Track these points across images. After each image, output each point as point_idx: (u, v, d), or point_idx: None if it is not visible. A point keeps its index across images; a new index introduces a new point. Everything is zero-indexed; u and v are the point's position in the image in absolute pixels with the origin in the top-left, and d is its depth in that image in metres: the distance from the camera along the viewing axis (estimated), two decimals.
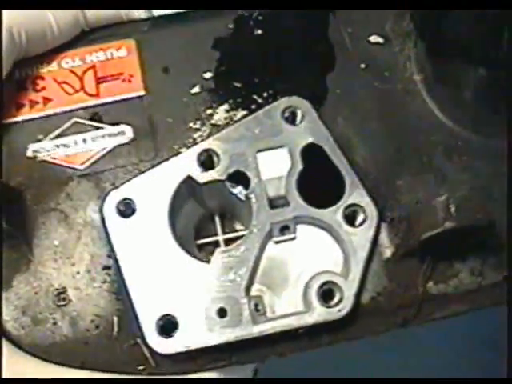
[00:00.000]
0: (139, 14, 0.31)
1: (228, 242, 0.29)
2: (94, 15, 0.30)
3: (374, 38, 0.31)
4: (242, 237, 0.29)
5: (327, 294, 0.27)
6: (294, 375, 0.46)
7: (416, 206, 0.27)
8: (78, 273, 0.27)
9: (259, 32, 0.31)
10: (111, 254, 0.27)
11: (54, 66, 0.30)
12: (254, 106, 0.30)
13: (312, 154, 0.28)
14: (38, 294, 0.27)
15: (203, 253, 0.30)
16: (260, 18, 0.31)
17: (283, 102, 0.29)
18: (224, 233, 0.30)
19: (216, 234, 0.30)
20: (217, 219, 0.30)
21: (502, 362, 0.28)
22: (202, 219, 0.30)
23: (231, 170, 0.28)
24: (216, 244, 0.29)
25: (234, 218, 0.30)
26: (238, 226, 0.30)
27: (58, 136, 0.29)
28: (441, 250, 0.27)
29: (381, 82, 0.30)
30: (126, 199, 0.27)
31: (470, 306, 0.28)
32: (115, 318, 0.27)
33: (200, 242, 0.30)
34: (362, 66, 0.30)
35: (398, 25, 0.31)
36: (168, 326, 0.26)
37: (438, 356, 0.49)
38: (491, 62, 0.27)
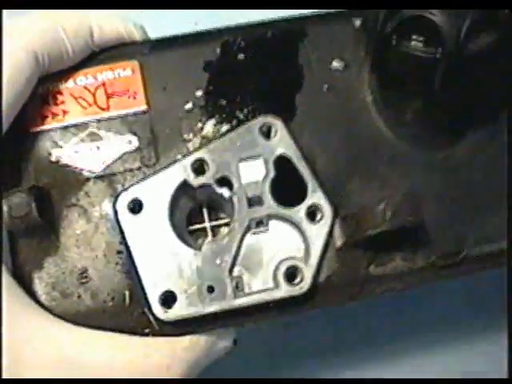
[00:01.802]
0: (140, 36, 0.37)
1: (213, 228, 0.37)
2: (101, 39, 0.36)
3: (336, 63, 0.37)
4: (224, 224, 0.36)
5: (291, 275, 0.34)
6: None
7: (362, 209, 0.34)
8: (97, 256, 0.34)
9: (241, 56, 0.37)
10: (123, 241, 0.34)
11: (70, 83, 0.36)
12: (235, 121, 0.36)
13: (283, 163, 0.35)
14: (64, 273, 0.34)
15: (194, 236, 0.37)
16: (242, 43, 0.37)
17: (260, 120, 0.36)
18: (210, 221, 0.37)
19: (203, 222, 0.37)
20: (204, 210, 0.37)
21: None
22: (192, 210, 0.37)
23: (218, 176, 0.35)
24: (204, 230, 0.37)
25: (218, 210, 0.37)
26: (222, 215, 0.37)
27: (76, 143, 0.36)
28: (381, 242, 0.34)
29: (340, 102, 0.37)
30: (134, 199, 0.35)
31: (403, 285, 0.35)
32: (127, 292, 0.34)
33: (191, 228, 0.37)
34: (325, 88, 0.37)
35: (356, 52, 0.37)
36: (169, 299, 0.33)
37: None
38: (425, 97, 0.35)
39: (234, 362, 0.43)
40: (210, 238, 0.36)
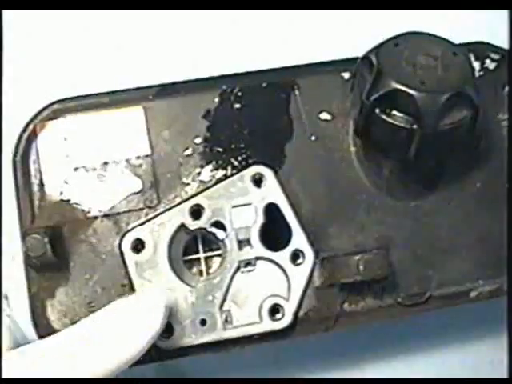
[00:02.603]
0: None
1: (207, 258, 0.41)
2: None
3: (323, 115, 0.41)
4: (216, 255, 0.41)
5: (274, 310, 0.39)
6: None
7: (339, 255, 0.39)
8: (104, 288, 0.39)
9: (237, 106, 0.40)
10: (126, 276, 0.39)
11: (79, 126, 0.40)
12: (230, 168, 0.40)
13: (271, 210, 0.39)
14: (74, 303, 0.38)
15: (189, 265, 0.41)
16: (239, 94, 0.40)
17: (252, 170, 0.39)
18: (204, 251, 0.41)
19: (198, 253, 0.41)
20: (199, 242, 0.41)
21: None
22: (188, 241, 0.41)
23: (213, 220, 0.39)
24: (198, 259, 0.41)
25: (211, 242, 0.41)
26: (215, 246, 0.42)
27: (85, 184, 0.39)
28: (354, 285, 0.39)
29: (325, 151, 0.41)
30: (137, 239, 0.39)
31: (372, 320, 0.40)
32: None
33: (186, 258, 0.41)
34: (313, 138, 0.41)
35: (343, 104, 0.41)
36: (167, 330, 0.38)
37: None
38: (401, 161, 0.38)
39: (233, 362, 0.47)
40: (203, 267, 0.41)
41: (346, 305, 0.40)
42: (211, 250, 0.41)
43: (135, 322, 0.35)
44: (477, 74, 0.42)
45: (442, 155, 0.39)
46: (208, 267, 0.41)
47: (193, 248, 0.41)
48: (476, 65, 0.43)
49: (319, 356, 0.48)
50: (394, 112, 0.36)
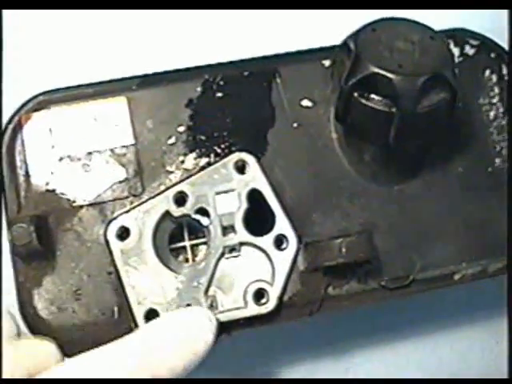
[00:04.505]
0: None
1: (192, 246, 0.41)
2: None
3: (305, 102, 0.42)
4: (202, 243, 0.41)
5: (259, 295, 0.39)
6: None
7: (322, 240, 0.39)
8: (90, 276, 0.39)
9: (220, 95, 0.41)
10: (112, 263, 0.39)
11: (64, 117, 0.40)
12: (213, 155, 0.40)
13: (254, 196, 0.40)
14: (60, 290, 0.39)
15: (175, 253, 0.42)
16: (221, 83, 0.41)
17: (235, 157, 0.40)
18: (190, 240, 0.42)
19: (184, 241, 0.42)
20: (185, 231, 0.42)
21: None
22: (174, 230, 0.42)
23: (197, 207, 0.39)
24: (184, 247, 0.42)
25: (197, 230, 0.42)
26: (200, 234, 0.42)
27: (71, 173, 0.40)
28: (338, 268, 0.39)
29: (308, 139, 0.41)
30: (122, 226, 0.39)
31: (356, 303, 0.41)
32: (116, 308, 0.39)
33: (173, 246, 0.41)
34: (295, 125, 0.41)
35: (324, 91, 0.42)
36: (152, 317, 0.39)
37: None
38: (381, 145, 0.39)
39: (233, 362, 0.47)
40: (189, 255, 0.41)
41: (330, 289, 0.40)
42: (197, 237, 0.41)
43: (194, 335, 0.36)
44: (456, 60, 0.43)
45: (422, 139, 0.39)
46: (194, 255, 0.41)
47: (179, 236, 0.41)
48: (455, 51, 0.43)
49: (308, 343, 0.49)
50: (373, 96, 0.37)
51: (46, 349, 0.37)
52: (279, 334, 0.47)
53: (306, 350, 0.49)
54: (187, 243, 0.41)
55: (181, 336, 0.36)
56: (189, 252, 0.41)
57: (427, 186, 0.41)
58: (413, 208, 0.41)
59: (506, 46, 0.44)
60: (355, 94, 0.37)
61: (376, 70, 0.36)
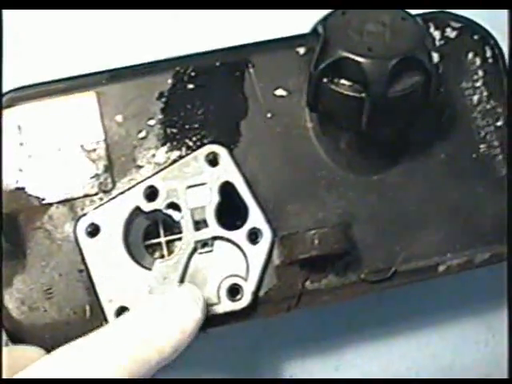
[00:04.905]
0: None
1: (168, 242, 0.40)
2: None
3: (279, 91, 0.40)
4: (178, 239, 0.40)
5: (233, 291, 0.38)
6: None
7: (296, 233, 0.38)
8: (61, 275, 0.39)
9: (191, 86, 0.40)
10: (83, 261, 0.38)
11: (32, 112, 0.40)
12: (185, 148, 0.39)
13: (227, 189, 0.39)
14: (31, 290, 0.38)
15: (151, 250, 0.41)
16: (192, 74, 0.40)
17: (206, 149, 0.39)
18: (165, 236, 0.41)
19: (159, 237, 0.41)
20: (160, 226, 0.41)
21: None
22: (149, 226, 0.41)
23: (168, 201, 0.38)
24: (160, 244, 0.41)
25: (173, 227, 0.41)
26: (176, 230, 0.41)
27: (40, 171, 0.39)
28: (315, 261, 0.38)
29: (282, 128, 0.40)
30: (92, 223, 0.38)
31: (336, 298, 0.39)
32: (87, 307, 0.38)
33: (147, 243, 0.41)
34: (269, 115, 0.40)
35: (299, 80, 0.40)
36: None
37: None
38: (355, 132, 0.37)
39: (232, 362, 0.47)
40: (165, 251, 0.40)
41: (308, 283, 0.39)
42: (173, 233, 0.40)
43: (180, 312, 0.34)
44: (437, 44, 0.41)
45: (396, 125, 0.38)
46: (170, 252, 0.40)
47: (155, 233, 0.41)
48: (436, 34, 0.41)
49: (296, 340, 0.48)
50: (343, 81, 0.36)
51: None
52: (266, 332, 0.46)
53: (294, 347, 0.47)
54: (162, 239, 0.40)
55: (166, 314, 0.34)
56: (164, 248, 0.40)
57: (408, 174, 0.40)
58: (394, 197, 0.40)
59: (505, 46, 0.42)
60: (324, 80, 0.36)
61: (345, 53, 0.35)
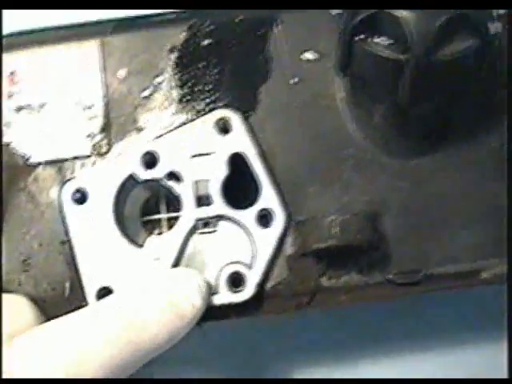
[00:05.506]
0: None
1: (170, 220, 0.35)
2: None
3: (307, 55, 0.35)
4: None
5: (234, 281, 0.33)
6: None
7: (314, 218, 0.32)
8: (41, 244, 0.34)
9: (206, 42, 0.35)
10: (66, 231, 0.34)
11: (30, 59, 0.35)
12: (193, 112, 0.34)
13: (237, 162, 0.33)
14: (8, 259, 0.34)
15: (149, 227, 0.36)
16: (209, 28, 0.35)
17: (217, 114, 0.34)
18: (168, 212, 0.36)
19: (160, 213, 0.36)
20: (162, 201, 0.36)
21: None
22: (150, 200, 0.36)
23: (168, 171, 0.33)
24: (160, 221, 0.36)
25: (176, 203, 0.36)
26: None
27: (28, 126, 0.34)
28: (334, 254, 0.32)
29: (308, 97, 0.34)
30: (79, 189, 0.33)
31: (355, 299, 0.33)
32: (67, 284, 0.33)
33: (145, 219, 0.36)
34: (294, 80, 0.34)
35: (330, 44, 0.35)
36: (105, 296, 0.33)
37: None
38: (390, 103, 0.32)
39: (231, 362, 0.43)
40: (165, 229, 0.35)
41: (324, 279, 0.33)
42: (176, 210, 0.35)
43: (179, 295, 0.31)
44: (501, 12, 0.35)
45: (441, 99, 0.31)
46: None
47: (156, 209, 0.36)
48: None
49: (310, 351, 0.42)
50: (379, 40, 0.30)
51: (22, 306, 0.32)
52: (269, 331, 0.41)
53: (306, 358, 0.42)
54: (163, 216, 0.35)
55: (162, 298, 0.30)
56: (164, 226, 0.35)
57: (451, 162, 0.34)
58: (432, 186, 0.34)
59: None
60: (358, 38, 0.30)
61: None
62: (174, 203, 0.35)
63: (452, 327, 0.43)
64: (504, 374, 0.32)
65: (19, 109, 0.35)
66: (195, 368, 0.43)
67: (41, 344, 0.29)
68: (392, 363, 0.42)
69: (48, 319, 0.32)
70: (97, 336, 0.29)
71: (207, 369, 0.43)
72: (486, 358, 0.43)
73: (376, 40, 0.30)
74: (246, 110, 0.34)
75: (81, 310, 0.30)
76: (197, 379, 0.42)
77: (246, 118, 0.34)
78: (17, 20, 0.36)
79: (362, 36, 0.30)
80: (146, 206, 0.36)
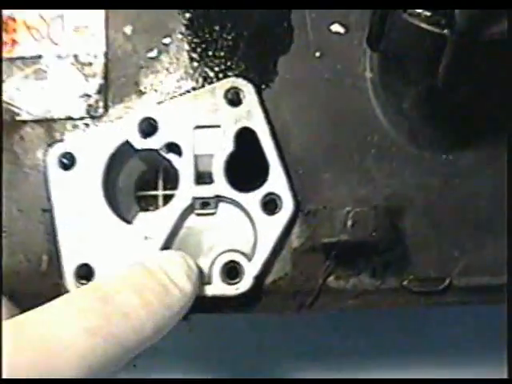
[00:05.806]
0: None
1: (167, 197, 0.32)
2: None
3: (335, 27, 0.31)
4: None
5: (231, 271, 0.29)
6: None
7: (326, 208, 0.29)
8: (21, 210, 0.30)
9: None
10: (49, 198, 0.30)
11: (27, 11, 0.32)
12: (202, 79, 0.31)
13: (246, 138, 0.30)
14: None
15: (144, 203, 0.32)
16: None
17: (228, 82, 0.30)
18: (165, 189, 0.32)
19: (157, 189, 0.32)
20: (160, 176, 0.32)
21: None
22: (147, 174, 0.32)
23: (167, 141, 0.30)
24: (156, 197, 0.32)
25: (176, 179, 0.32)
26: None
27: (20, 79, 0.31)
28: (345, 252, 0.28)
29: (332, 74, 0.31)
30: (67, 153, 0.30)
31: (365, 305, 0.29)
32: (45, 257, 0.30)
33: (140, 193, 0.32)
34: (318, 54, 0.31)
35: (362, 17, 0.31)
36: (85, 274, 0.29)
37: None
38: (426, 86, 0.28)
39: (231, 362, 0.41)
40: (161, 205, 0.31)
41: (331, 278, 0.30)
42: (174, 188, 0.32)
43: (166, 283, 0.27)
44: None
45: (484, 85, 0.27)
46: None
47: (152, 184, 0.32)
48: None
49: (310, 351, 0.40)
50: (419, 10, 0.26)
51: None
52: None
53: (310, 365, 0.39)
54: (160, 192, 0.32)
55: (148, 283, 0.26)
56: (160, 202, 0.32)
57: (486, 161, 0.30)
58: (463, 186, 0.30)
59: None
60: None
61: None
62: (173, 181, 0.32)
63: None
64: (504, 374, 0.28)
65: (12, 59, 0.31)
66: (195, 368, 0.41)
67: (11, 338, 0.25)
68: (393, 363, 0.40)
69: (19, 295, 0.28)
70: (73, 326, 0.25)
71: (207, 369, 0.41)
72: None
73: (418, 10, 0.26)
74: (261, 82, 0.31)
75: (57, 299, 0.26)
76: (197, 379, 0.41)
77: (259, 91, 0.30)
78: None
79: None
80: (141, 180, 0.32)
